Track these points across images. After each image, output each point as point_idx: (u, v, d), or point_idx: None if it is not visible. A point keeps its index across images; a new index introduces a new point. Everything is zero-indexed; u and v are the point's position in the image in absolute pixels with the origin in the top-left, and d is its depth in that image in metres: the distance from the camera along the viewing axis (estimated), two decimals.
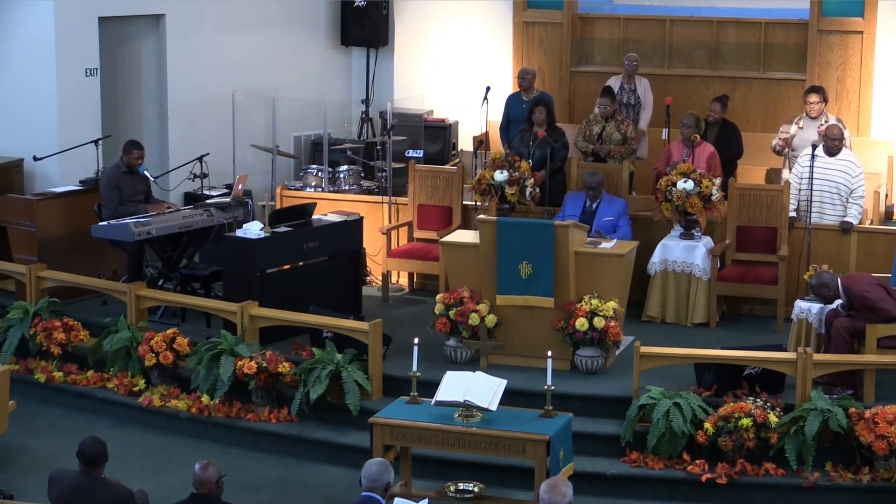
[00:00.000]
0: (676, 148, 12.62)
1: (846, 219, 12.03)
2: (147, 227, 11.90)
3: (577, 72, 15.36)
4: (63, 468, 7.72)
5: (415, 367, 9.37)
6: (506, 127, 14.06)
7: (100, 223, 12.11)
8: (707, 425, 9.62)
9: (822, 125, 12.79)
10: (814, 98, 12.95)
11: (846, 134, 13.01)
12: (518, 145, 13.12)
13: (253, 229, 11.47)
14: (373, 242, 13.07)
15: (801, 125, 13.04)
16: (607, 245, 10.90)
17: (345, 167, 14.30)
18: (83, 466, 7.47)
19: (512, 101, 14.12)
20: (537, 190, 12.46)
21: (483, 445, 8.94)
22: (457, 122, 15.55)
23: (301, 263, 11.79)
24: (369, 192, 14.22)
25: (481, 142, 14.11)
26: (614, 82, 14.08)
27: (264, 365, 10.48)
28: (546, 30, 15.45)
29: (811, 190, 12.01)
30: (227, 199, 13.15)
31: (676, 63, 15.06)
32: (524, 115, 13.39)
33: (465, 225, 12.85)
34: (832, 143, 12.13)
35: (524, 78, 14.01)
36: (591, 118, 13.45)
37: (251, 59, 15.11)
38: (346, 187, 14.11)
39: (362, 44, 16.13)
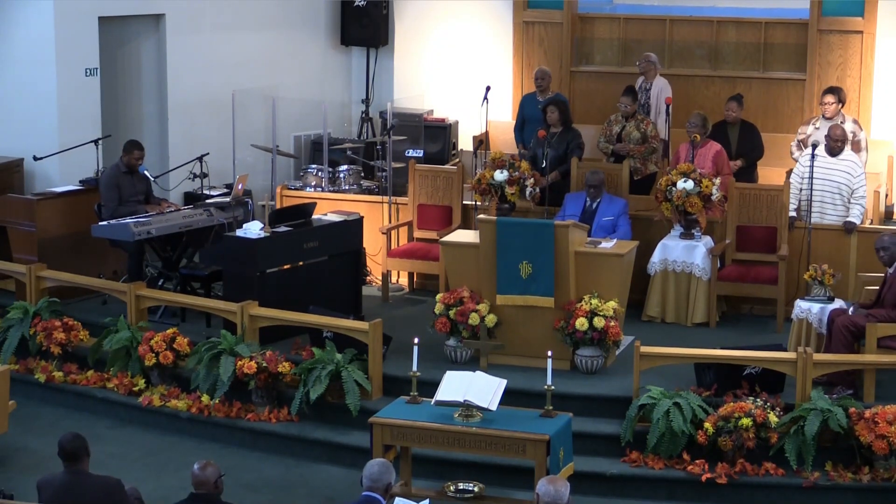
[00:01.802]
0: (684, 149, 12.61)
1: (849, 219, 12.02)
2: (147, 227, 11.90)
3: (577, 72, 15.36)
4: (48, 474, 7.72)
5: (415, 367, 9.37)
6: (520, 127, 14.05)
7: (100, 223, 12.11)
8: (707, 425, 9.62)
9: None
10: (829, 99, 12.95)
11: (862, 136, 13.01)
12: (535, 146, 13.12)
13: (253, 229, 11.47)
14: (373, 242, 13.07)
15: (817, 126, 13.04)
16: (607, 245, 10.90)
17: (345, 167, 14.30)
18: (66, 463, 7.49)
19: (527, 102, 14.11)
20: (537, 190, 12.47)
21: (483, 445, 8.95)
22: (457, 122, 15.56)
23: (301, 263, 11.79)
24: (369, 191, 14.22)
25: (481, 142, 14.11)
26: (638, 83, 14.04)
27: (264, 365, 10.48)
28: (546, 30, 15.45)
29: (811, 190, 12.01)
30: (227, 199, 13.15)
31: (676, 63, 15.05)
32: (539, 115, 13.37)
33: (465, 225, 12.85)
34: (834, 144, 12.12)
35: (542, 79, 13.98)
36: (613, 118, 13.41)
37: (251, 59, 15.12)
38: (346, 187, 14.11)
39: (362, 44, 16.14)
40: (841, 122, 12.82)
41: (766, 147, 13.53)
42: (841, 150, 12.17)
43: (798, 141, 13.16)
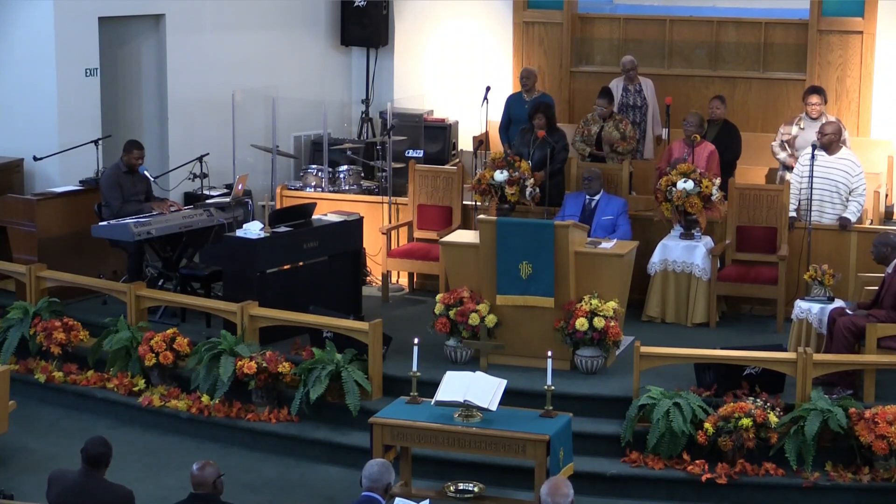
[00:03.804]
0: (677, 147, 12.64)
1: (844, 214, 12.02)
2: (147, 227, 11.91)
3: (577, 72, 15.37)
4: (63, 469, 7.72)
5: (415, 367, 9.37)
6: (506, 127, 14.07)
7: (100, 223, 12.12)
8: (707, 425, 9.62)
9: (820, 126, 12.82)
10: (815, 99, 12.95)
11: (845, 135, 13.02)
12: (519, 145, 13.13)
13: (253, 229, 11.47)
14: (373, 242, 13.07)
15: (801, 126, 13.04)
16: (607, 245, 10.90)
17: (345, 167, 14.30)
18: (84, 466, 7.48)
19: (513, 101, 14.14)
20: (537, 190, 12.47)
21: (483, 445, 8.94)
22: (457, 122, 15.56)
23: (301, 263, 11.79)
24: (369, 192, 14.22)
25: (481, 142, 14.12)
26: (616, 84, 14.09)
27: (264, 365, 10.48)
28: (546, 30, 15.46)
29: (811, 189, 12.01)
30: (227, 199, 13.15)
31: (676, 63, 15.06)
32: (525, 115, 13.40)
33: (465, 225, 12.85)
34: (824, 140, 12.09)
35: (527, 78, 14.03)
36: (589, 118, 13.48)
37: (251, 59, 15.12)
38: (346, 187, 14.11)
39: (362, 44, 16.14)
40: (825, 122, 12.83)
41: (766, 147, 13.53)
42: (837, 147, 12.16)
43: (782, 141, 13.16)
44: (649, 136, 14.03)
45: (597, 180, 12.25)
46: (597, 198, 12.26)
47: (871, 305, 10.42)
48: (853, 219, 12.03)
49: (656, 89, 14.30)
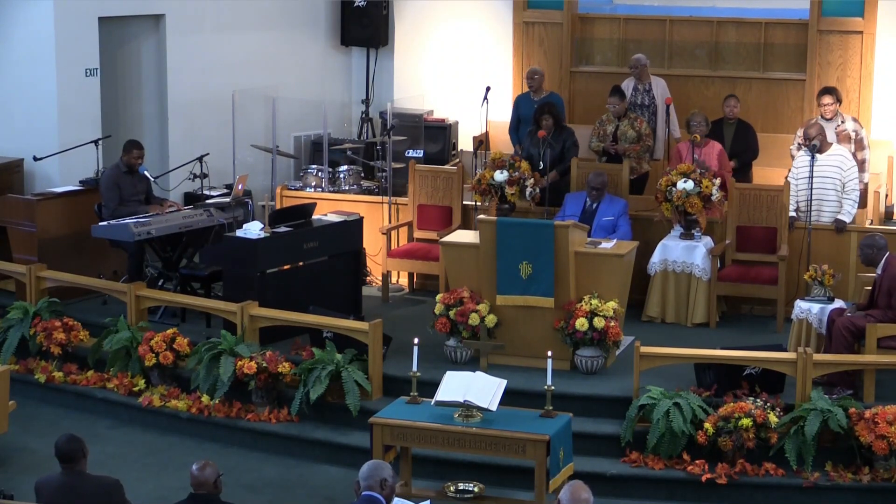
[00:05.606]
0: (684, 148, 12.61)
1: (839, 216, 12.02)
2: (147, 227, 11.91)
3: (577, 72, 15.36)
4: (45, 475, 7.73)
5: (415, 367, 9.38)
6: (515, 127, 14.05)
7: (100, 223, 12.12)
8: (707, 425, 9.62)
9: (838, 126, 12.82)
10: (828, 100, 12.94)
11: (863, 133, 13.01)
12: (528, 146, 13.12)
13: (253, 229, 11.47)
14: (373, 242, 13.07)
15: None
16: (607, 245, 10.90)
17: (345, 167, 14.30)
18: (63, 465, 7.51)
19: (521, 101, 14.12)
20: (537, 190, 12.47)
21: (483, 445, 8.95)
22: (457, 122, 15.55)
23: (301, 263, 11.79)
24: (369, 192, 14.22)
25: (481, 142, 14.11)
26: (627, 83, 14.05)
27: (264, 365, 10.48)
28: (546, 30, 15.45)
29: (811, 189, 12.01)
30: (227, 199, 13.16)
31: (676, 63, 15.05)
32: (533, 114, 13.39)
33: (465, 225, 12.85)
34: (807, 143, 12.08)
35: (533, 78, 14.00)
36: (605, 118, 13.42)
37: (251, 59, 15.12)
38: (346, 187, 14.11)
39: (362, 44, 16.14)
40: (841, 122, 12.86)
41: (766, 147, 13.54)
42: (822, 145, 12.15)
43: (798, 143, 13.15)
44: (660, 136, 13.95)
45: (604, 189, 12.22)
46: (599, 199, 12.24)
47: (868, 306, 10.42)
48: (848, 220, 12.04)
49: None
